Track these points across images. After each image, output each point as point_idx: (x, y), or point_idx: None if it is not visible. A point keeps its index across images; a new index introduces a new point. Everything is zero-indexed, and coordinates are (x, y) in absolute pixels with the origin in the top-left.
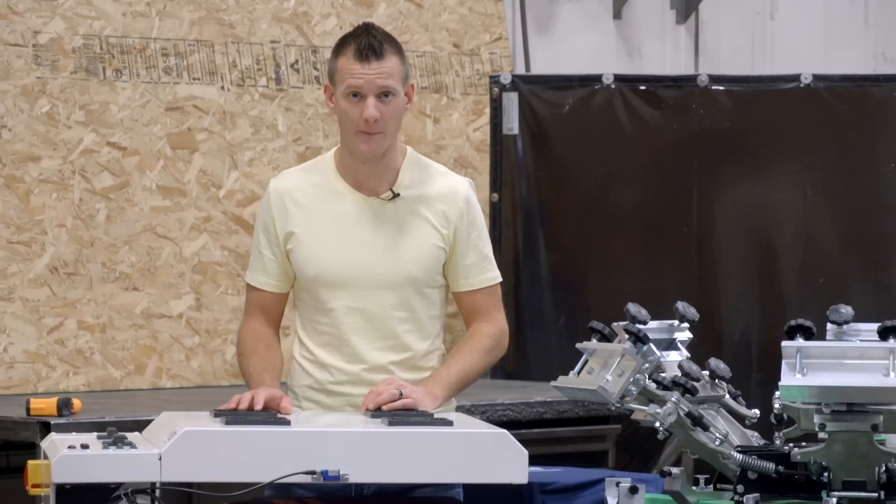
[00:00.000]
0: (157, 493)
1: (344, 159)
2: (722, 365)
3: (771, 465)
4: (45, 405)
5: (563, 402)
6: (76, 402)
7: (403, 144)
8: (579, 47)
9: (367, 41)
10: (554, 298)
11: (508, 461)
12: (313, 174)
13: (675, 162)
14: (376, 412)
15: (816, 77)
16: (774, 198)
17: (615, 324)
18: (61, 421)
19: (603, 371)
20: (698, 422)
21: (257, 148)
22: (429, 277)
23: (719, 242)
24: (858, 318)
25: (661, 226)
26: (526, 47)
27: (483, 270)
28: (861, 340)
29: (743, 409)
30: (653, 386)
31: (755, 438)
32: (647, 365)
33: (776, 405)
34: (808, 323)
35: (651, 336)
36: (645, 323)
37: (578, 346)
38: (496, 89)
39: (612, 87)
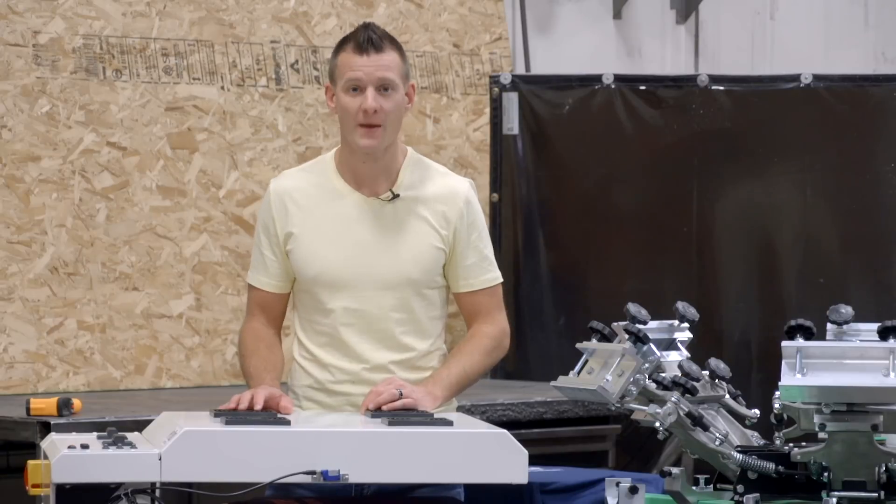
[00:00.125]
0: (157, 493)
1: (344, 159)
2: (722, 365)
3: (771, 465)
4: (45, 405)
5: (563, 402)
6: (76, 402)
7: (404, 145)
8: (579, 47)
9: (367, 35)
10: (554, 298)
11: (508, 461)
12: (313, 174)
13: (675, 162)
14: (376, 412)
15: (816, 77)
16: (774, 198)
17: (615, 324)
18: (61, 421)
19: (603, 371)
20: (698, 422)
21: (257, 148)
22: (428, 279)
23: (719, 242)
24: (858, 318)
25: (661, 226)
26: (526, 47)
27: (483, 271)
28: (861, 340)
29: (743, 409)
30: (653, 386)
31: (755, 438)
32: (647, 365)
33: (776, 405)
34: (808, 323)
35: (651, 336)
36: (645, 323)
37: (578, 346)
38: (496, 89)
39: (612, 87)
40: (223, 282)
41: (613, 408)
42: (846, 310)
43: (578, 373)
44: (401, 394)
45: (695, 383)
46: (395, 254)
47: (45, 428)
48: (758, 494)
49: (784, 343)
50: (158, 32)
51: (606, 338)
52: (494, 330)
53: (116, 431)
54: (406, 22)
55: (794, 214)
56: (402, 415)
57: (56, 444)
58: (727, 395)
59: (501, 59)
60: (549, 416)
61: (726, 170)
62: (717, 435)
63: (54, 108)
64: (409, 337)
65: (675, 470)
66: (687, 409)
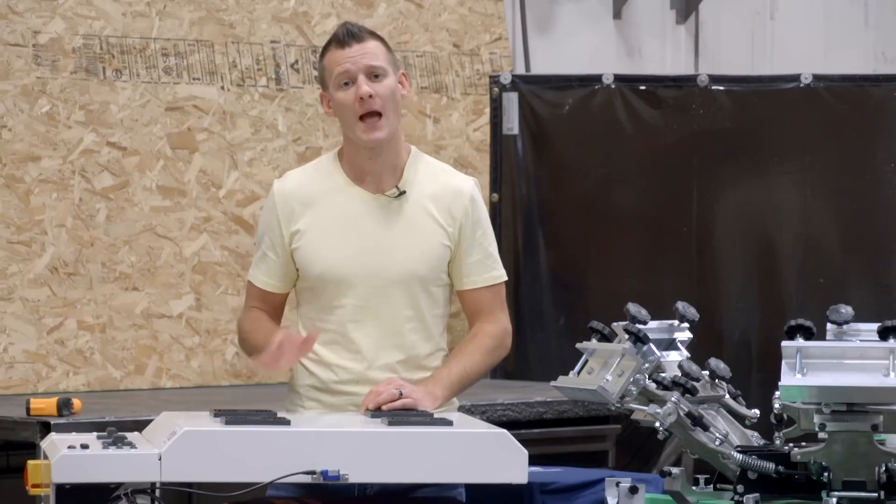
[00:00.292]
0: (157, 493)
1: (348, 157)
2: (722, 365)
3: (771, 465)
4: (45, 405)
5: (563, 402)
6: (76, 402)
7: (407, 143)
8: (579, 47)
9: (346, 29)
10: (554, 298)
11: (508, 461)
12: (317, 173)
13: (675, 162)
14: (376, 412)
15: (816, 77)
16: (774, 198)
17: (615, 324)
18: (61, 421)
19: (603, 371)
20: (698, 422)
21: (257, 148)
22: (434, 275)
23: (719, 242)
24: (858, 318)
25: (661, 226)
26: (526, 47)
27: (487, 269)
28: (861, 340)
29: (743, 409)
30: (653, 386)
31: (755, 438)
32: (647, 365)
33: (776, 405)
34: (808, 323)
35: (651, 336)
36: (645, 323)
37: (578, 346)
38: (496, 89)
39: (612, 87)
40: (223, 282)
41: (613, 408)
42: (846, 310)
43: (578, 373)
44: (401, 394)
45: (695, 383)
46: (403, 250)
47: (45, 428)
48: (758, 494)
49: (784, 343)
50: (158, 32)
51: (606, 338)
52: (496, 329)
53: (116, 431)
54: (406, 22)
55: (794, 214)
56: (402, 415)
57: (56, 444)
58: (727, 395)
59: (501, 59)
60: (549, 416)
61: (726, 170)
62: (717, 435)
63: (54, 108)
64: (415, 335)
65: (675, 470)
66: (687, 409)
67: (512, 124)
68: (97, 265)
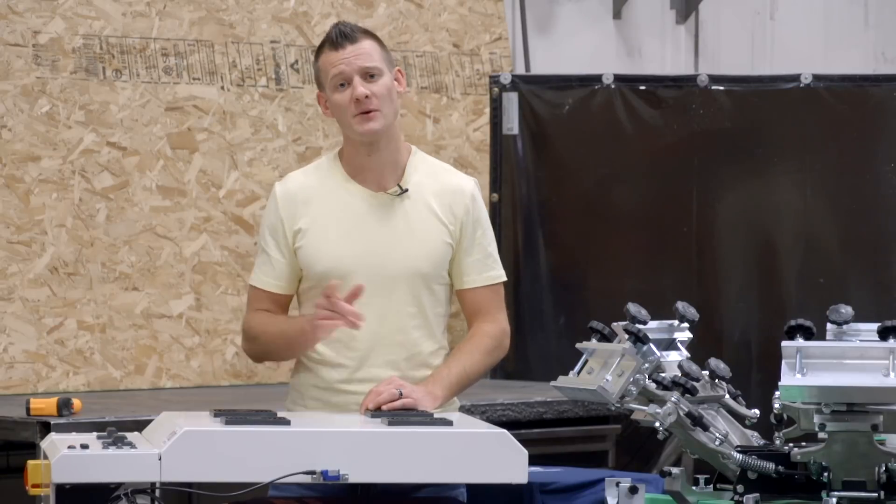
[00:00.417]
0: (157, 493)
1: (348, 156)
2: (722, 365)
3: (771, 465)
4: (45, 405)
5: (563, 402)
6: (76, 402)
7: (408, 143)
8: (579, 47)
9: (338, 30)
10: (554, 298)
11: (508, 461)
12: (319, 173)
13: (675, 162)
14: (376, 412)
15: (816, 77)
16: (774, 198)
17: (615, 324)
18: (61, 421)
19: (603, 371)
20: (698, 422)
21: (257, 148)
22: (437, 273)
23: (719, 242)
24: (858, 318)
25: (661, 226)
26: (526, 47)
27: (487, 268)
28: (861, 340)
29: (743, 409)
30: (653, 386)
31: (755, 438)
32: (647, 365)
33: (776, 405)
34: (808, 323)
35: (651, 336)
36: (645, 323)
37: (578, 346)
38: (496, 89)
39: (612, 87)
40: (223, 282)
41: (613, 408)
42: (846, 310)
43: (578, 373)
44: (401, 394)
45: (695, 383)
46: (406, 248)
47: (45, 428)
48: (758, 494)
49: (784, 343)
50: (158, 32)
51: (606, 338)
52: (495, 329)
53: (116, 431)
54: (406, 22)
55: (794, 214)
56: (402, 415)
57: (56, 444)
58: (727, 395)
59: (501, 59)
60: (549, 416)
61: (726, 170)
62: (717, 435)
63: (54, 108)
64: (418, 332)
65: (675, 470)
66: (687, 409)
67: (512, 124)
68: (97, 265)
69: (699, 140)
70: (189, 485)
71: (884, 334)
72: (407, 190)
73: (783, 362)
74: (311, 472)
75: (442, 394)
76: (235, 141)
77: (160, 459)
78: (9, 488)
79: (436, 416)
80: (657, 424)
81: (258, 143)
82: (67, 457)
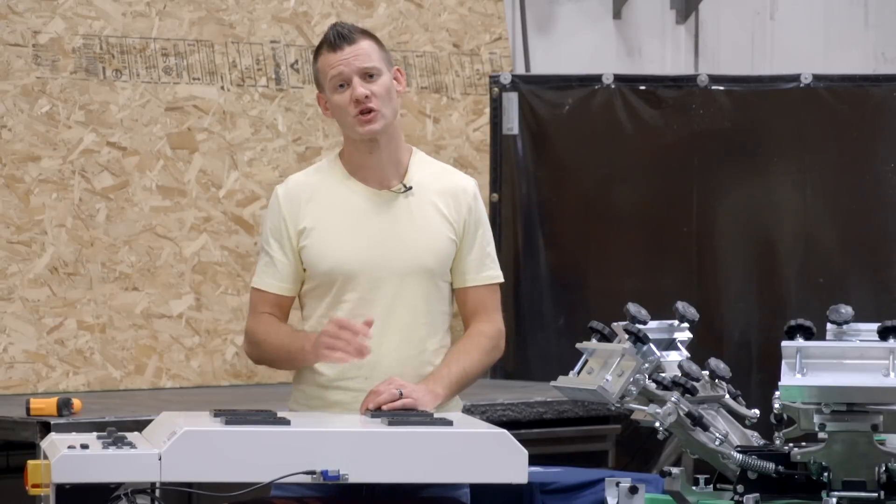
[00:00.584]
0: (157, 493)
1: (349, 156)
2: (722, 365)
3: (771, 465)
4: (45, 405)
5: (563, 402)
6: (76, 402)
7: (409, 145)
8: (579, 47)
9: (335, 31)
10: (554, 298)
11: (508, 461)
12: (321, 173)
13: (675, 162)
14: (376, 412)
15: (816, 77)
16: (774, 198)
17: (615, 324)
18: (61, 421)
19: (603, 371)
20: (698, 422)
21: (257, 148)
22: (442, 270)
23: (719, 242)
24: (858, 318)
25: (661, 226)
26: (526, 47)
27: (486, 268)
28: (861, 340)
29: (743, 409)
30: (653, 386)
31: (755, 438)
32: (647, 365)
33: (776, 405)
34: (808, 323)
35: (651, 336)
36: (645, 323)
37: (578, 346)
38: (496, 89)
39: (612, 87)
40: (223, 282)
41: (613, 408)
42: (846, 310)
43: (578, 373)
44: (401, 394)
45: (695, 383)
46: (411, 244)
47: (45, 428)
48: (758, 494)
49: (784, 343)
50: (158, 32)
51: (606, 338)
52: (492, 330)
53: (116, 431)
54: (406, 22)
55: (794, 214)
56: (402, 415)
57: (56, 444)
58: (727, 395)
59: (501, 59)
60: (549, 416)
61: (726, 170)
62: (717, 435)
63: (54, 108)
64: (424, 329)
65: (675, 470)
66: (687, 409)
67: (512, 124)
68: (97, 265)
69: (699, 140)
70: (189, 485)
71: (884, 334)
72: (411, 188)
73: (783, 362)
74: (311, 472)
75: (443, 392)
76: (235, 141)
77: (160, 459)
78: (9, 488)
79: (436, 416)
80: (657, 424)
81: (258, 143)
82: (67, 457)
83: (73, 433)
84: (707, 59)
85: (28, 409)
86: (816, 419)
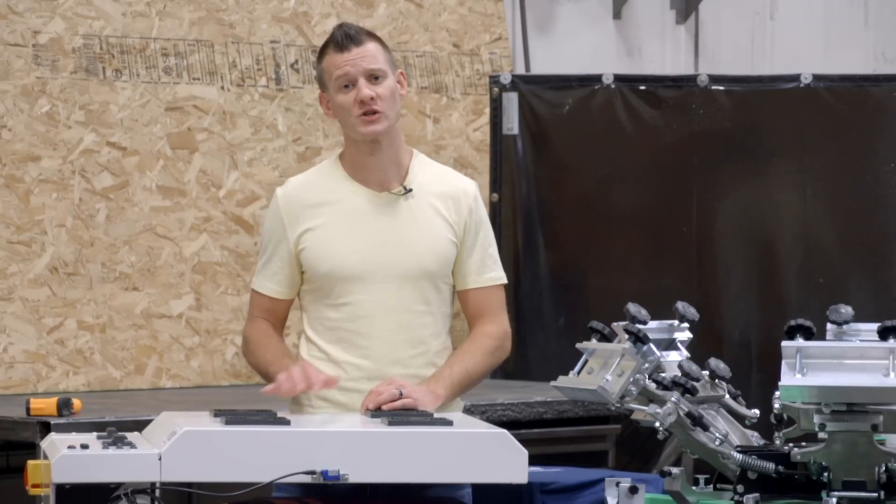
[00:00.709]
0: (157, 493)
1: (349, 158)
2: (722, 365)
3: (771, 465)
4: (45, 405)
5: (563, 402)
6: (76, 402)
7: (409, 147)
8: (579, 47)
9: (343, 32)
10: (554, 298)
11: (508, 461)
12: (321, 175)
13: (675, 162)
14: (376, 412)
15: (816, 77)
16: (774, 198)
17: (615, 324)
18: (61, 421)
19: (603, 371)
20: (698, 422)
21: (257, 148)
22: (444, 272)
23: (719, 242)
24: (858, 318)
25: (661, 226)
26: (526, 47)
27: (488, 269)
28: (861, 340)
29: (743, 409)
30: (653, 386)
31: (755, 438)
32: (647, 365)
33: (776, 405)
34: (808, 323)
35: (651, 336)
36: (645, 323)
37: (578, 346)
38: (496, 89)
39: (612, 87)
40: (223, 282)
41: (613, 408)
42: (846, 310)
43: (578, 373)
44: (401, 394)
45: (695, 383)
46: (412, 246)
47: (45, 428)
48: (758, 494)
49: (784, 343)
50: (158, 32)
51: (606, 338)
52: (497, 330)
53: (116, 431)
54: (406, 22)
55: (794, 214)
56: (402, 415)
57: (56, 444)
58: (727, 395)
59: (501, 59)
60: (549, 416)
61: (726, 170)
62: (717, 435)
63: (54, 108)
64: (426, 330)
65: (675, 470)
66: (687, 409)
67: (512, 124)
68: (97, 265)
69: (699, 140)
70: (189, 485)
71: (884, 334)
72: (411, 189)
73: (783, 362)
74: (311, 472)
75: (444, 393)
76: (235, 141)
77: (160, 459)
78: (9, 488)
79: (436, 416)
80: (657, 424)
81: (258, 143)
82: (67, 457)
83: (73, 433)
84: (707, 59)
85: (28, 409)
86: (816, 419)
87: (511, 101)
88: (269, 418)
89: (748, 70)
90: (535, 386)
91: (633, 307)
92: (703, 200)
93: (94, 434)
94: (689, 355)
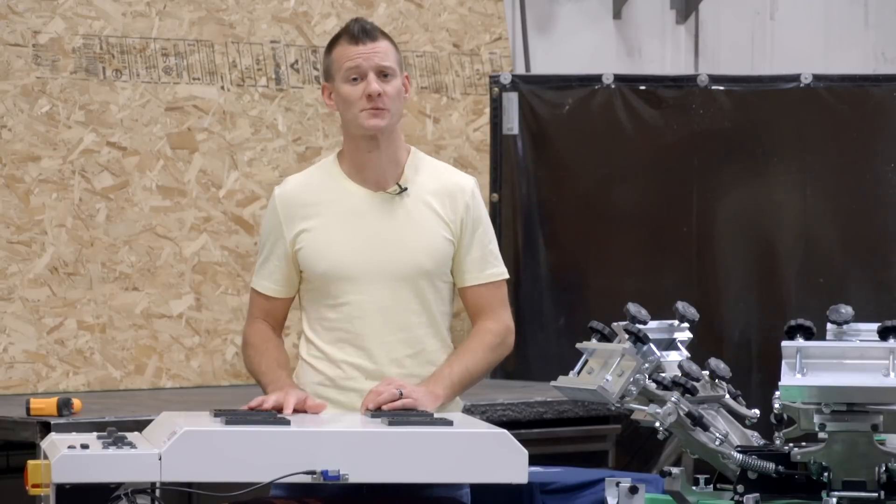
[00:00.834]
0: (157, 493)
1: (348, 154)
2: (722, 365)
3: (771, 465)
4: (45, 405)
5: (563, 402)
6: (76, 402)
7: (407, 144)
8: (579, 47)
9: (360, 26)
10: (554, 298)
11: (508, 461)
12: (318, 175)
13: (675, 162)
14: (376, 412)
15: (816, 77)
16: (774, 198)
17: (615, 324)
18: (61, 421)
19: (603, 371)
20: (698, 422)
21: (257, 148)
22: (440, 270)
23: (719, 242)
24: (858, 318)
25: (661, 226)
26: (526, 47)
27: (488, 265)
28: (861, 340)
29: (743, 409)
30: (653, 386)
31: (755, 438)
32: (647, 365)
33: (776, 405)
34: (808, 323)
35: (651, 336)
36: (645, 323)
37: (578, 346)
38: (496, 89)
39: (612, 87)
40: (223, 282)
41: (613, 408)
42: (846, 310)
43: (578, 373)
44: (401, 394)
45: (695, 383)
46: (408, 245)
47: (45, 428)
48: (758, 494)
49: (784, 343)
50: (158, 32)
51: (606, 338)
52: (499, 327)
53: (116, 431)
54: (406, 22)
55: (794, 214)
56: (402, 415)
57: (56, 444)
58: (727, 395)
59: (501, 59)
60: (549, 416)
61: (726, 170)
62: (717, 435)
63: (54, 108)
64: (423, 329)
65: (675, 470)
66: (687, 409)
67: (512, 124)
68: (97, 265)
69: (699, 140)
70: (189, 485)
71: (884, 334)
72: (406, 189)
73: (783, 362)
74: (311, 472)
75: (443, 393)
76: (235, 141)
77: (160, 459)
78: (9, 488)
79: (436, 416)
80: (657, 424)
81: (258, 143)
82: (67, 457)
83: (73, 433)
84: (707, 59)
85: (28, 409)
86: (816, 419)
87: (511, 101)
88: (269, 418)
89: (748, 70)
90: (535, 386)
91: (633, 307)
92: (703, 200)
93: (95, 434)
94: (689, 355)
